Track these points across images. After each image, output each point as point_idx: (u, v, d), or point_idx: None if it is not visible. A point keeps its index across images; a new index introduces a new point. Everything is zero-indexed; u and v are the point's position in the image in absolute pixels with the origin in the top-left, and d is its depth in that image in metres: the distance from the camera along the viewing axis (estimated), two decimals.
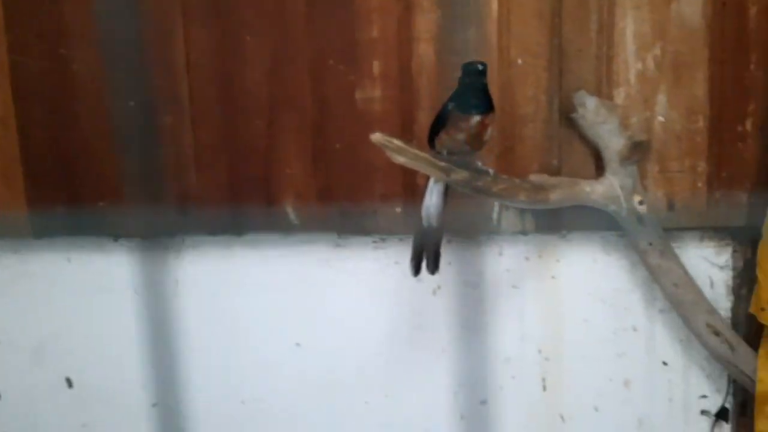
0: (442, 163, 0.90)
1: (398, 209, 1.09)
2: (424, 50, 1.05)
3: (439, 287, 1.12)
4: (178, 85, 1.08)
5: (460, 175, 0.91)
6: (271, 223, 1.11)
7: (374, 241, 1.12)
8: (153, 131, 1.10)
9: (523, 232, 1.09)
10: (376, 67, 1.06)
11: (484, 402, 1.15)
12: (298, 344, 1.15)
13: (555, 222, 1.08)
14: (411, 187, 1.07)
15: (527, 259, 1.11)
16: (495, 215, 1.08)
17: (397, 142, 0.87)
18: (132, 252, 1.13)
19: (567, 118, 1.04)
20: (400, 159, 0.88)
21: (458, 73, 0.90)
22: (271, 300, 1.15)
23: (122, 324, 1.13)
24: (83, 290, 1.16)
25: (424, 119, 1.05)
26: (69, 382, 1.19)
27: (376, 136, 0.87)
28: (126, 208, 1.11)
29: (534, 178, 1.02)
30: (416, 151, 0.88)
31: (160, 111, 1.09)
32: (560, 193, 1.01)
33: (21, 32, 1.08)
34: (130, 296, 1.14)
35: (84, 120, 1.10)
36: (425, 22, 1.05)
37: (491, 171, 0.94)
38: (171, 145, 1.10)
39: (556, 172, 1.06)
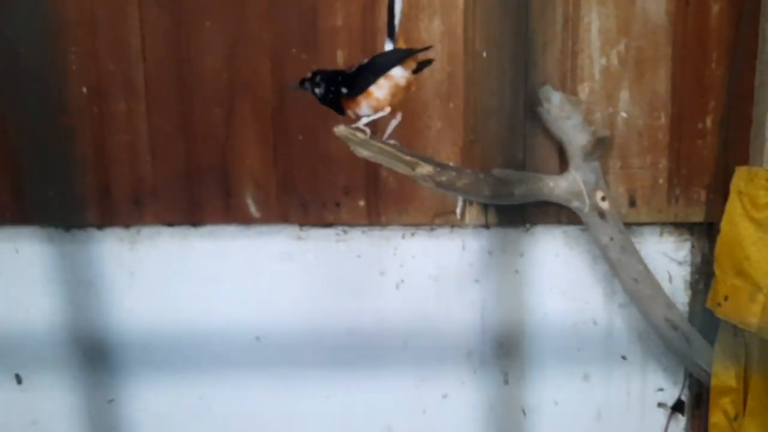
0: (408, 157, 0.88)
1: (361, 202, 1.07)
2: None
3: (402, 281, 1.11)
4: (133, 70, 1.04)
5: (424, 169, 0.90)
6: (231, 215, 1.08)
7: (337, 234, 1.11)
8: (106, 119, 1.05)
9: (486, 226, 1.09)
10: (339, 56, 1.04)
11: (446, 396, 1.14)
12: (257, 338, 1.13)
13: (518, 216, 1.08)
14: (374, 180, 1.06)
15: (490, 253, 1.11)
16: (458, 209, 1.07)
17: (361, 135, 0.85)
18: (85, 242, 1.09)
19: (532, 111, 1.03)
20: (363, 153, 0.87)
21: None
22: (231, 293, 1.12)
23: (73, 315, 1.09)
24: (32, 281, 1.11)
25: None
26: (18, 379, 1.15)
27: (340, 129, 0.85)
28: (78, 198, 1.06)
29: (498, 172, 1.02)
30: (381, 145, 0.87)
31: (114, 97, 1.05)
32: (524, 188, 1.01)
33: None
34: (83, 287, 1.10)
35: (30, 106, 1.05)
36: None
37: (454, 164, 0.93)
38: (125, 132, 1.06)
39: (520, 165, 1.06)
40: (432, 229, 1.10)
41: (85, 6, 1.02)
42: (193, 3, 1.03)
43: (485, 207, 1.07)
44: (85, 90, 1.04)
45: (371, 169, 1.05)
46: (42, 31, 1.03)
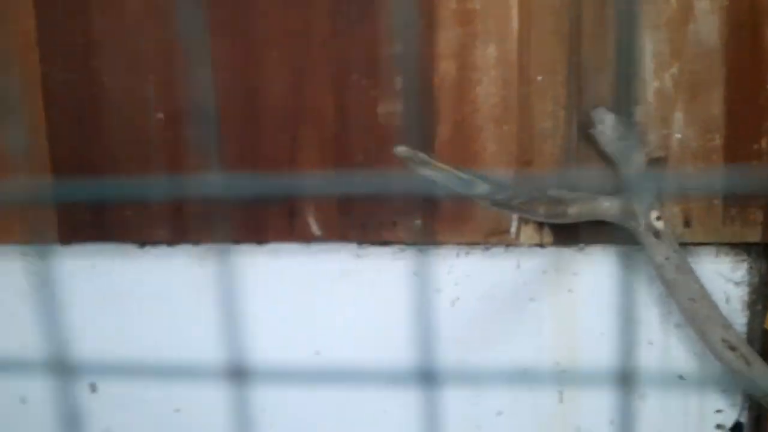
0: (465, 176, 0.92)
1: (417, 221, 1.11)
2: (446, 67, 1.08)
3: (458, 299, 1.14)
4: (205, 98, 1.11)
5: (481, 188, 0.93)
6: (293, 233, 1.13)
7: (394, 252, 1.15)
8: (180, 143, 1.13)
9: (541, 245, 1.11)
10: (398, 82, 1.09)
11: (500, 413, 1.16)
12: (317, 353, 1.17)
13: (573, 235, 1.10)
14: (430, 200, 1.10)
15: (544, 272, 1.13)
16: (513, 228, 1.10)
17: (421, 155, 0.90)
18: (158, 259, 1.16)
19: (586, 134, 1.06)
20: (422, 172, 0.91)
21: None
22: (291, 309, 1.17)
23: (147, 331, 1.16)
24: (108, 296, 1.18)
25: (444, 133, 1.08)
26: (93, 388, 1.21)
27: (401, 149, 0.90)
28: (152, 215, 1.14)
29: (552, 192, 1.05)
30: (440, 165, 0.91)
31: (187, 123, 1.12)
32: (578, 207, 1.03)
33: (52, 45, 1.12)
34: (154, 303, 1.17)
35: (112, 130, 1.13)
36: (447, 40, 1.08)
37: (511, 184, 0.96)
38: (198, 156, 1.12)
39: (574, 186, 1.08)
40: (487, 248, 1.13)
41: (164, 39, 1.11)
42: (261, 34, 1.10)
43: (540, 226, 1.09)
44: (161, 116, 1.12)
45: (428, 189, 1.09)
46: (124, 62, 1.11)
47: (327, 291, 1.15)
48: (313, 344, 1.17)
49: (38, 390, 1.21)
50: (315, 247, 1.15)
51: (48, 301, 0.47)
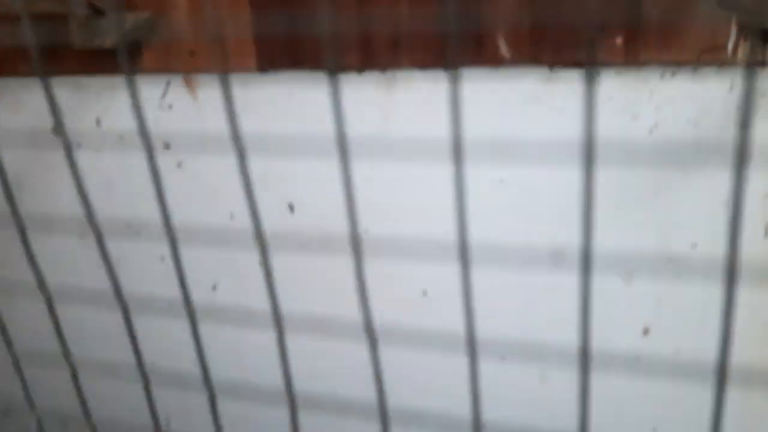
0: None
1: (618, 39, 1.02)
2: None
3: (656, 125, 1.07)
4: None
5: None
6: (481, 57, 1.10)
7: (588, 75, 1.08)
8: None
9: (763, 63, 0.99)
10: None
11: (695, 245, 1.11)
12: (501, 181, 1.17)
13: None
14: (635, 13, 1.00)
15: (763, 95, 1.01)
16: (730, 44, 0.98)
17: None
18: (346, 86, 1.19)
19: None
20: None
21: None
22: (477, 135, 1.16)
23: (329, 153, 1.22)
24: (303, 123, 1.25)
25: None
26: (290, 207, 1.32)
27: None
28: (342, 44, 1.15)
29: None
30: None
31: None
32: None
33: None
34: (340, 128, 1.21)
35: None
36: None
37: None
38: None
39: None
40: (695, 69, 1.03)
41: None
42: None
43: (764, 41, 0.97)
44: None
45: (632, 4, 0.99)
46: None
47: (515, 116, 1.13)
48: (498, 171, 1.17)
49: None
50: (504, 71, 1.11)
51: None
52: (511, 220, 1.19)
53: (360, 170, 1.20)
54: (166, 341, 1.27)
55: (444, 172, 1.21)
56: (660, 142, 1.07)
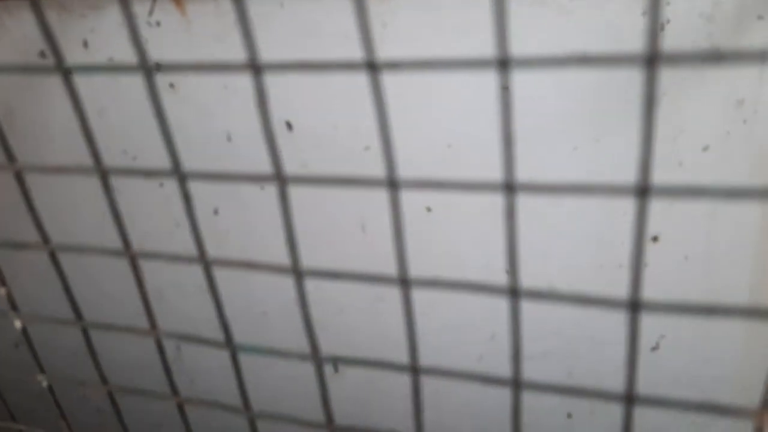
0: None
1: None
2: None
3: (668, 21, 1.01)
4: None
5: None
6: None
7: None
8: None
9: None
10: None
11: (706, 148, 1.08)
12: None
13: None
14: None
15: None
16: None
17: None
18: None
19: None
20: None
21: None
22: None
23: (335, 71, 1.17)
24: (295, 37, 1.19)
25: None
26: (289, 126, 1.29)
27: None
28: None
29: None
30: None
31: None
32: None
33: None
34: (341, 43, 1.16)
35: None
36: None
37: None
38: None
39: None
40: None
41: None
42: None
43: None
44: None
45: None
46: None
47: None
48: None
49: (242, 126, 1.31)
50: None
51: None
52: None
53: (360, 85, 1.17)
54: (169, 272, 1.26)
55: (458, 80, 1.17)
56: (671, 39, 1.02)
